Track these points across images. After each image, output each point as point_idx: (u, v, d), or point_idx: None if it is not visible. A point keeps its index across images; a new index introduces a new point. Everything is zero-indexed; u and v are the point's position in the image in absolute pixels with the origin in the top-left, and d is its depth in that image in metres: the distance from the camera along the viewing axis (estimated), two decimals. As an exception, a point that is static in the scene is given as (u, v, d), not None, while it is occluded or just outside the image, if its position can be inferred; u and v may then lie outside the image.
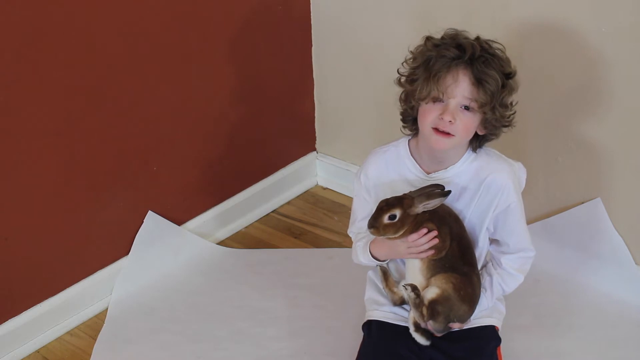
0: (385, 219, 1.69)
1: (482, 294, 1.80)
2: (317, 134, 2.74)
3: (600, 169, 2.16)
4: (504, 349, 1.86)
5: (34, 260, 2.09)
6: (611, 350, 2.02)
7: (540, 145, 2.23)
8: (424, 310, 1.74)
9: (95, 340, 2.13)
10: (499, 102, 1.66)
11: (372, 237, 1.80)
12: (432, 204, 1.69)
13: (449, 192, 1.70)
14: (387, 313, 1.86)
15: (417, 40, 1.74)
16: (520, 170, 1.81)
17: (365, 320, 1.89)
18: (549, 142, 2.22)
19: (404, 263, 1.82)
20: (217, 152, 2.44)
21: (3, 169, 1.97)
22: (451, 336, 1.81)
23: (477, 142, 1.75)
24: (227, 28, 2.35)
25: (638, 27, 1.97)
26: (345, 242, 2.44)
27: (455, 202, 1.76)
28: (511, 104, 1.71)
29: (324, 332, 2.11)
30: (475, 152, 1.76)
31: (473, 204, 1.76)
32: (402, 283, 1.79)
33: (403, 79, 1.73)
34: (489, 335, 1.83)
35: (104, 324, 2.18)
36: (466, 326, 1.81)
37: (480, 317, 1.82)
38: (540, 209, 2.28)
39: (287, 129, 2.65)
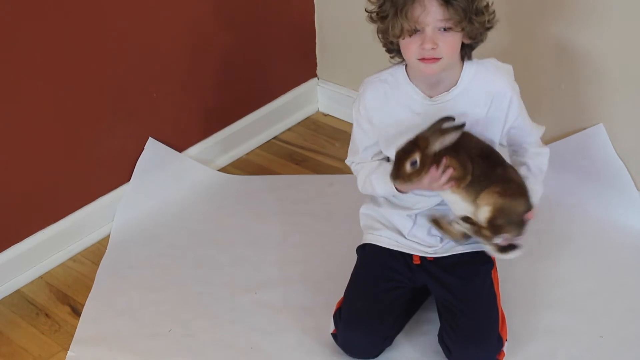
0: (408, 168, 1.65)
1: (526, 182, 1.75)
2: (317, 60, 2.71)
3: (602, 95, 2.14)
4: (503, 274, 1.87)
5: (36, 187, 2.10)
6: (611, 274, 2.03)
7: (544, 72, 2.21)
8: (487, 232, 1.70)
9: (98, 266, 2.15)
10: (474, 12, 1.62)
11: (383, 166, 1.78)
12: (449, 139, 1.64)
13: (464, 124, 1.65)
14: (382, 237, 1.86)
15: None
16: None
17: (360, 244, 1.90)
18: (552, 69, 2.19)
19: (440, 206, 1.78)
20: (216, 78, 2.42)
21: (4, 96, 1.96)
22: (443, 263, 1.81)
23: (465, 50, 1.70)
24: (226, -49, 2.31)
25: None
26: (346, 169, 2.42)
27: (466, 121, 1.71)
28: (486, 7, 1.66)
29: (325, 258, 2.12)
30: (469, 59, 1.72)
31: (482, 119, 1.73)
32: (453, 220, 1.74)
33: (374, 16, 1.69)
34: (482, 260, 1.82)
35: (107, 250, 2.20)
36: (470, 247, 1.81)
37: (473, 244, 1.81)
38: (543, 136, 2.26)
39: (288, 55, 2.62)
